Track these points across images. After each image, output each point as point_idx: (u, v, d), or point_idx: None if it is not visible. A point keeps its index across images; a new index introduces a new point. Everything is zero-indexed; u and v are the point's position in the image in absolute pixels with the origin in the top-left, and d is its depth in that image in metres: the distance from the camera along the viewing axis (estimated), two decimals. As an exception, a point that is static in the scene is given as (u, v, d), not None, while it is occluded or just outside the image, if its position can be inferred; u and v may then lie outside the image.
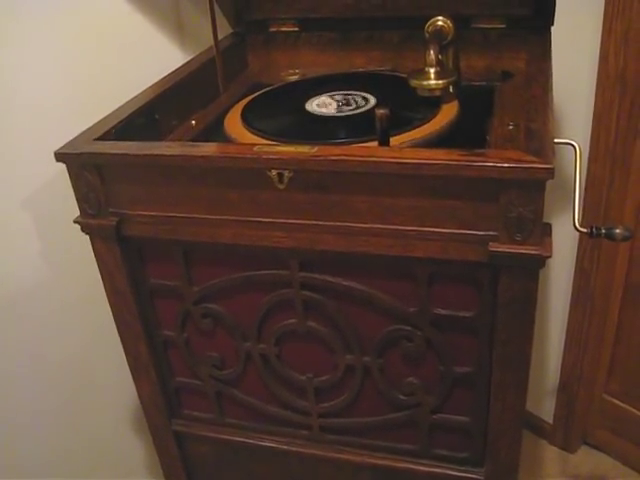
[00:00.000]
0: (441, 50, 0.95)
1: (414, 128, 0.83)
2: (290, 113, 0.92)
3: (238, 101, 1.02)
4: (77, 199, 0.82)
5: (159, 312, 0.90)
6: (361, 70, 1.08)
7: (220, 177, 0.75)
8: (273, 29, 1.16)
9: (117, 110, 0.88)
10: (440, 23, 0.96)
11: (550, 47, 1.00)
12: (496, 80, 1.05)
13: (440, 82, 0.88)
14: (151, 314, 0.90)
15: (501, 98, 0.96)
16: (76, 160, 0.79)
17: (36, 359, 1.06)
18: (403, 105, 0.90)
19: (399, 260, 0.74)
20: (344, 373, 0.85)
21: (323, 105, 0.93)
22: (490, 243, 0.70)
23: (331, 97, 0.95)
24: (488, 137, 0.83)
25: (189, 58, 1.19)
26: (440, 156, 0.67)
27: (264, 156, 0.71)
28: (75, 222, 0.83)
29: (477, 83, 1.07)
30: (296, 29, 1.15)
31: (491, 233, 0.69)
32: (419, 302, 0.77)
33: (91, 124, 0.84)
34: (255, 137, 0.85)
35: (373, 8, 1.10)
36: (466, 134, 0.86)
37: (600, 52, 1.23)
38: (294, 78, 1.12)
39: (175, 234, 0.81)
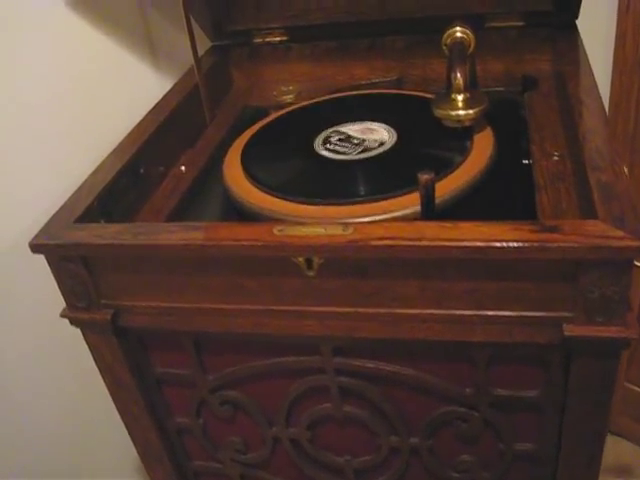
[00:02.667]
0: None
1: (447, 174, 0.71)
2: (298, 156, 0.79)
3: (228, 133, 0.89)
4: (61, 292, 0.69)
5: (169, 400, 0.79)
6: (371, 91, 0.94)
7: (234, 265, 0.63)
8: (258, 40, 1.02)
9: (96, 173, 0.75)
10: (459, 34, 0.83)
11: (581, 45, 0.88)
12: (518, 86, 0.93)
13: (471, 112, 0.75)
14: (160, 403, 0.79)
15: (533, 113, 0.84)
16: (56, 252, 0.66)
17: (37, 359, 0.94)
18: (428, 139, 0.78)
19: (453, 344, 0.63)
20: (388, 454, 0.75)
21: (335, 144, 0.80)
22: (564, 325, 0.59)
23: (342, 132, 0.82)
24: (535, 177, 0.72)
25: (162, 76, 1.05)
26: (508, 236, 0.55)
27: (288, 242, 0.59)
28: (62, 316, 0.71)
29: (496, 89, 0.95)
30: (285, 39, 1.01)
31: (566, 314, 0.59)
32: (476, 384, 0.66)
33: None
34: (263, 194, 0.73)
35: (371, 11, 0.97)
36: (505, 172, 0.74)
37: (616, 34, 1.12)
38: (289, 98, 0.98)
39: (182, 325, 0.69)
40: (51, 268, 0.68)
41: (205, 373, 0.74)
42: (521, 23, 0.94)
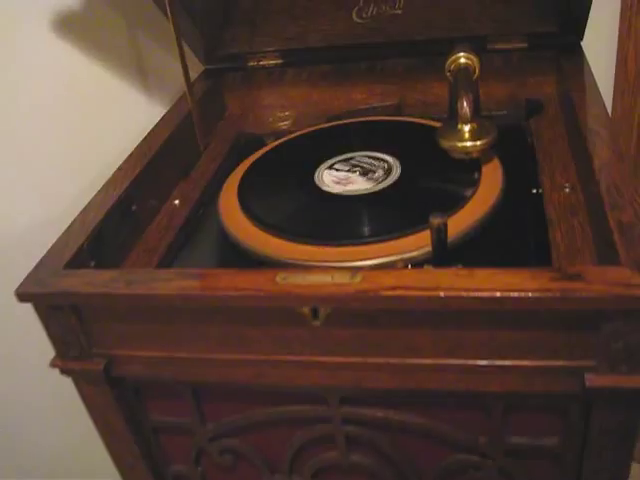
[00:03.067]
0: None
1: (457, 211, 0.68)
2: (298, 191, 0.76)
3: (223, 162, 0.86)
4: (51, 341, 0.65)
5: (166, 448, 0.75)
6: (372, 118, 0.91)
7: (234, 314, 0.59)
8: (252, 63, 0.98)
9: (85, 211, 0.71)
10: (463, 60, 0.80)
11: (587, 68, 0.85)
12: (522, 110, 0.91)
13: (478, 143, 0.72)
14: (157, 451, 0.75)
15: (540, 140, 0.81)
16: (44, 300, 0.62)
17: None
18: (434, 171, 0.75)
19: (467, 393, 0.60)
20: (398, 504, 0.72)
21: (336, 176, 0.76)
22: (586, 375, 0.56)
23: (343, 163, 0.79)
24: (547, 211, 0.69)
25: (153, 102, 1.02)
26: (527, 285, 0.52)
27: (293, 292, 0.55)
28: (53, 366, 0.67)
29: (498, 113, 0.92)
30: (280, 62, 0.98)
31: (587, 363, 0.55)
32: (490, 432, 0.63)
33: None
34: (262, 233, 0.69)
35: (371, 33, 0.94)
36: (516, 204, 0.71)
37: (618, 54, 1.10)
38: (285, 124, 0.95)
39: (180, 375, 0.65)
40: (39, 316, 0.64)
41: (204, 422, 0.70)
42: (524, 45, 0.91)
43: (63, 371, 0.67)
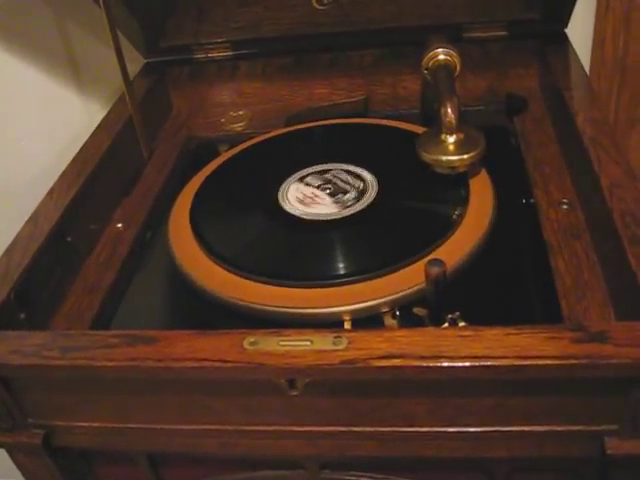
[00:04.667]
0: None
1: (447, 238, 0.59)
2: (259, 216, 0.66)
3: (171, 173, 0.75)
4: (-25, 413, 0.55)
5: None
6: (341, 121, 0.81)
7: (194, 385, 0.50)
8: (199, 56, 0.87)
9: (9, 252, 0.60)
10: (442, 57, 0.71)
11: (576, 59, 0.77)
12: (501, 106, 0.82)
13: (465, 157, 0.63)
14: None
15: (528, 144, 0.73)
16: (-37, 372, 0.51)
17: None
18: (415, 189, 0.66)
19: (468, 460, 0.52)
20: None
21: (304, 195, 0.67)
22: (606, 439, 0.48)
23: (310, 178, 0.69)
24: (546, 234, 0.61)
25: (88, 102, 0.90)
26: (546, 350, 0.44)
27: (264, 363, 0.46)
28: (-21, 441, 0.56)
29: (476, 108, 0.83)
30: (231, 54, 0.86)
31: (608, 427, 0.48)
32: (493, 494, 0.56)
33: None
34: (220, 270, 0.60)
35: (334, 22, 0.83)
36: (508, 221, 0.63)
37: (594, 36, 1.02)
38: (239, 125, 0.84)
39: (132, 445, 0.56)
40: (-41, 389, 0.53)
41: (164, 487, 0.61)
42: (504, 33, 0.82)
43: (-6, 444, 0.57)
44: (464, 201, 0.63)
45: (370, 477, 0.56)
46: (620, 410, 0.47)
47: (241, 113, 0.86)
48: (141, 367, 0.47)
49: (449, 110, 0.64)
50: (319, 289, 0.56)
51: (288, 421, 0.51)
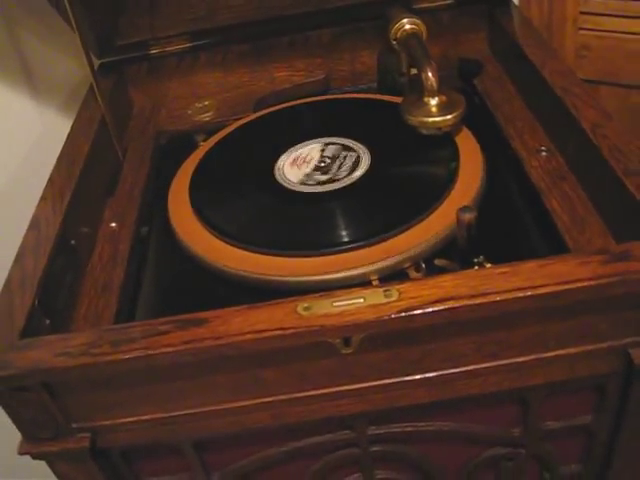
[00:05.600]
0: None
1: (447, 196, 0.62)
2: (262, 193, 0.67)
3: (152, 169, 0.76)
4: (17, 426, 0.54)
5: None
6: (320, 98, 0.83)
7: (248, 358, 0.51)
8: (155, 51, 0.86)
9: (20, 260, 0.59)
10: (409, 26, 0.74)
11: (527, 20, 0.82)
12: (455, 71, 0.87)
13: (449, 117, 0.67)
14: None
15: (493, 103, 0.78)
16: (4, 384, 0.50)
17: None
18: (407, 154, 0.69)
19: (508, 391, 0.56)
20: (424, 510, 0.67)
21: (300, 170, 0.69)
22: (631, 351, 0.53)
23: (304, 153, 0.71)
24: (534, 179, 0.65)
25: (41, 105, 0.88)
26: (580, 274, 0.48)
27: (323, 325, 0.48)
28: (21, 453, 0.55)
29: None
30: (188, 45, 0.86)
31: (633, 340, 0.53)
32: (524, 423, 0.60)
33: None
34: (231, 248, 0.61)
35: (287, 4, 0.85)
36: (497, 174, 0.67)
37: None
38: (207, 115, 0.85)
39: (181, 434, 0.56)
40: (2, 405, 0.52)
41: (208, 474, 0.61)
42: (451, 1, 0.86)
43: (35, 457, 0.56)
44: (456, 155, 0.66)
45: (413, 426, 0.59)
46: (641, 322, 0.52)
47: (206, 103, 0.86)
48: (200, 348, 0.48)
49: (430, 74, 0.67)
50: (343, 254, 0.58)
51: (340, 381, 0.53)
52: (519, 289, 0.47)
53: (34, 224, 0.63)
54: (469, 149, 0.67)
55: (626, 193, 0.54)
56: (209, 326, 0.49)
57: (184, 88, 0.88)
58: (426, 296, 0.48)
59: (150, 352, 0.48)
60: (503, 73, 0.82)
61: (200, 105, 0.86)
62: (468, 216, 0.51)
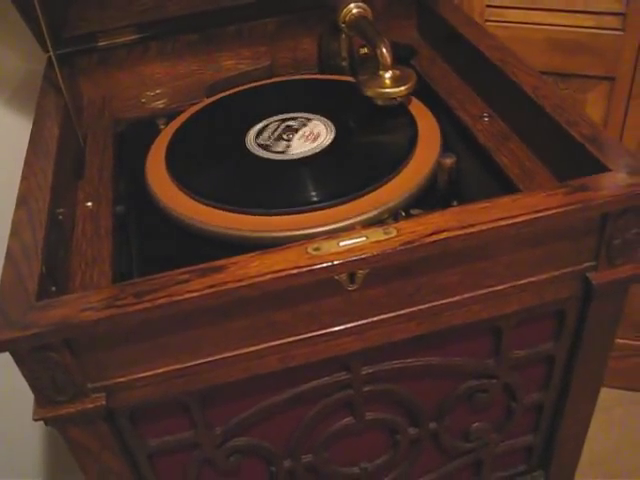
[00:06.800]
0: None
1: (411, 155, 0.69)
2: (235, 159, 0.72)
3: (116, 154, 0.78)
4: (35, 390, 0.55)
5: (162, 473, 0.67)
6: (280, 79, 0.88)
7: (263, 301, 0.55)
8: (103, 43, 0.88)
9: (17, 234, 0.60)
10: (355, 10, 0.81)
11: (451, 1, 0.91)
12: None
13: (403, 88, 0.74)
14: (151, 478, 0.67)
15: (432, 80, 0.86)
16: (30, 342, 0.51)
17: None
18: (368, 124, 0.75)
19: (487, 320, 0.63)
20: (405, 448, 0.73)
21: (269, 142, 0.73)
22: (587, 275, 0.62)
23: (271, 127, 0.76)
24: (482, 140, 0.73)
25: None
26: (550, 203, 0.55)
27: (334, 261, 0.53)
28: (38, 419, 0.56)
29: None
30: (135, 37, 0.89)
31: (590, 264, 0.62)
32: (497, 352, 0.67)
33: None
34: (216, 211, 0.65)
35: (234, -6, 0.89)
36: (451, 139, 0.75)
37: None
38: (161, 102, 0.88)
39: (193, 385, 0.59)
40: (19, 365, 0.53)
41: (211, 429, 0.64)
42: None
43: (50, 422, 0.57)
44: (414, 120, 0.73)
45: (401, 362, 0.65)
46: (597, 247, 0.60)
47: (159, 91, 0.89)
48: (223, 291, 0.52)
49: (384, 50, 0.74)
50: (330, 209, 0.63)
51: (343, 319, 0.58)
52: (500, 219, 0.54)
53: (22, 201, 0.63)
54: (424, 116, 0.75)
55: (570, 139, 0.63)
56: (228, 271, 0.53)
57: (134, 78, 0.90)
58: (422, 230, 0.54)
59: (176, 298, 0.51)
60: (435, 55, 0.91)
61: (152, 93, 0.89)
62: (449, 161, 0.58)
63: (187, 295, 0.51)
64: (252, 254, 0.54)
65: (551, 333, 0.68)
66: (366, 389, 0.65)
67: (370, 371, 0.64)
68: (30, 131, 0.74)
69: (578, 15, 1.11)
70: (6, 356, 0.52)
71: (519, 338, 0.67)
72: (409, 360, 0.65)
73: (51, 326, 0.50)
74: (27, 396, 0.56)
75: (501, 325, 0.64)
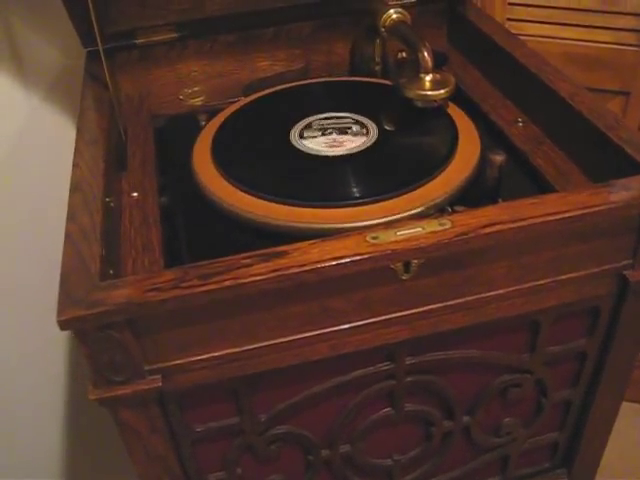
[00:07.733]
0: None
1: (454, 156, 0.71)
2: (278, 154, 0.74)
3: (160, 147, 0.80)
4: (93, 370, 0.56)
5: (202, 458, 0.69)
6: (322, 80, 0.90)
7: (320, 288, 0.57)
8: (142, 40, 0.90)
9: (75, 217, 0.61)
10: (395, 16, 0.84)
11: (482, 10, 0.94)
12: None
13: (442, 91, 0.76)
14: (193, 464, 0.68)
15: (466, 87, 0.88)
16: (97, 321, 0.53)
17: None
18: (409, 125, 0.77)
19: (528, 314, 0.65)
20: (439, 441, 0.75)
21: (316, 139, 0.75)
22: (624, 272, 0.64)
23: (317, 124, 0.78)
24: (517, 144, 0.76)
25: (29, 89, 0.89)
26: (596, 201, 0.58)
27: (393, 250, 0.55)
28: (94, 400, 0.57)
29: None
30: (174, 36, 0.91)
31: (626, 262, 0.64)
32: (532, 347, 0.69)
33: None
34: (268, 203, 0.67)
35: (273, -2, 0.92)
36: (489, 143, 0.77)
37: None
38: (199, 100, 0.90)
39: (245, 369, 0.60)
40: (82, 344, 0.54)
41: (254, 416, 0.66)
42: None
43: (103, 403, 0.58)
44: (453, 123, 0.76)
45: (444, 354, 0.66)
46: (635, 245, 0.62)
47: (196, 89, 0.91)
48: (287, 275, 0.53)
49: (425, 54, 0.76)
50: (379, 204, 0.65)
51: (395, 308, 0.60)
52: (549, 214, 0.57)
53: (76, 187, 0.65)
54: (461, 118, 0.77)
55: (609, 143, 0.66)
56: (290, 257, 0.54)
57: (172, 75, 0.92)
58: (476, 223, 0.56)
59: (241, 281, 0.53)
60: (466, 62, 0.93)
61: (190, 91, 0.91)
62: (499, 158, 0.60)
63: (251, 278, 0.53)
64: (312, 241, 0.56)
65: (585, 330, 0.70)
66: (408, 380, 0.67)
67: (413, 362, 0.65)
68: (75, 123, 0.76)
69: (596, 30, 1.15)
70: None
71: (554, 334, 0.69)
72: (451, 352, 0.66)
73: (117, 305, 0.52)
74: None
75: (540, 319, 0.66)
